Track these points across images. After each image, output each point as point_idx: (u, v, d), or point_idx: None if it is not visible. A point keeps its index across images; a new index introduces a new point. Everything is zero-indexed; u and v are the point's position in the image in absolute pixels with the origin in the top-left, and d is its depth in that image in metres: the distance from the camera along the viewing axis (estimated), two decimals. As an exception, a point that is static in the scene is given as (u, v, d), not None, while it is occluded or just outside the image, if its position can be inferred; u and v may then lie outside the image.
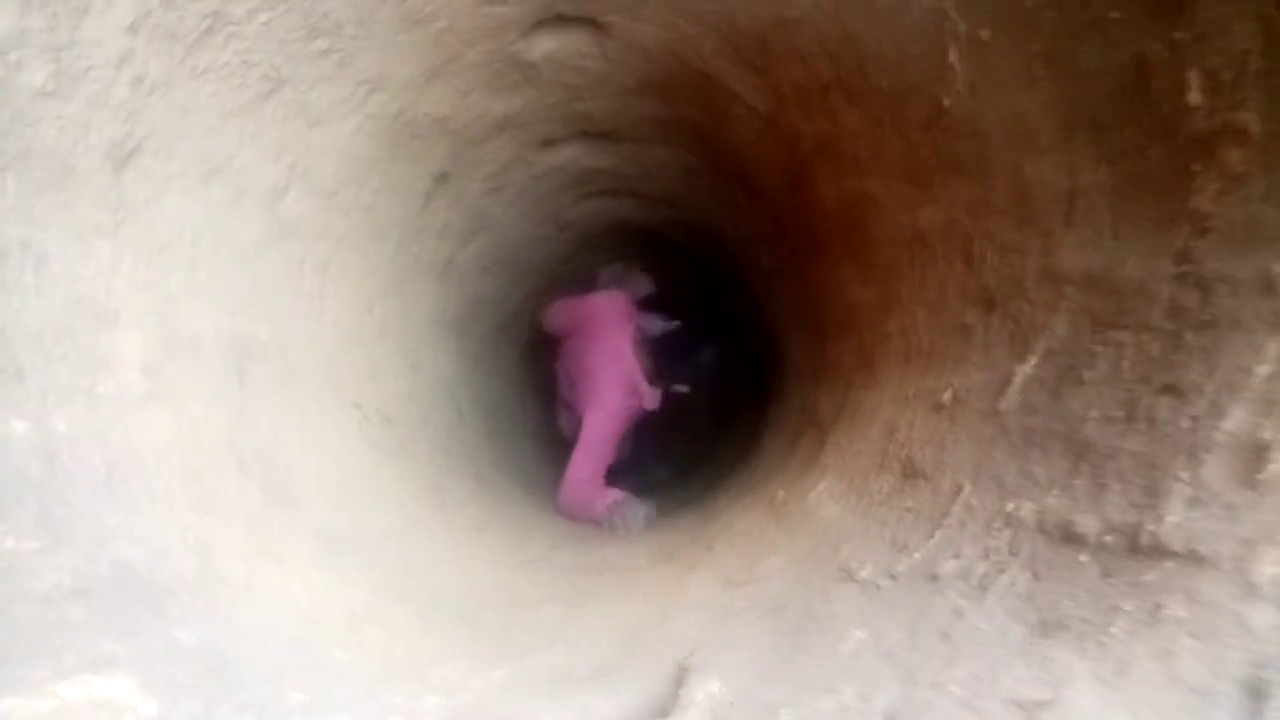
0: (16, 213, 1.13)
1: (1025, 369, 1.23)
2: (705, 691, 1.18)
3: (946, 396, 1.46)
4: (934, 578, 1.13)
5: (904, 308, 1.81)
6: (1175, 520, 0.83)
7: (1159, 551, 0.83)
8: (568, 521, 3.21)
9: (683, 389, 3.78)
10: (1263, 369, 0.82)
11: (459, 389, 3.25)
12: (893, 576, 1.22)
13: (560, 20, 2.04)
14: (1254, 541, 0.75)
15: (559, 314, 3.86)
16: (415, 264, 2.61)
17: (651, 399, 3.69)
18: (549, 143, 2.70)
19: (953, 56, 1.41)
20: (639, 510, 3.11)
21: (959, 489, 1.25)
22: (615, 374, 3.65)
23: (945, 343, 1.55)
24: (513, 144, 2.57)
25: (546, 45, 2.13)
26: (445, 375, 3.08)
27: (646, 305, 3.94)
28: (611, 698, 1.30)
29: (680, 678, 1.27)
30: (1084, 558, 0.92)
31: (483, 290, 3.30)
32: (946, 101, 1.49)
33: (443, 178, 2.45)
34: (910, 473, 1.45)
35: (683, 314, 3.96)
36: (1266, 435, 0.79)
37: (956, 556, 1.13)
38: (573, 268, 3.89)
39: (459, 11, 1.84)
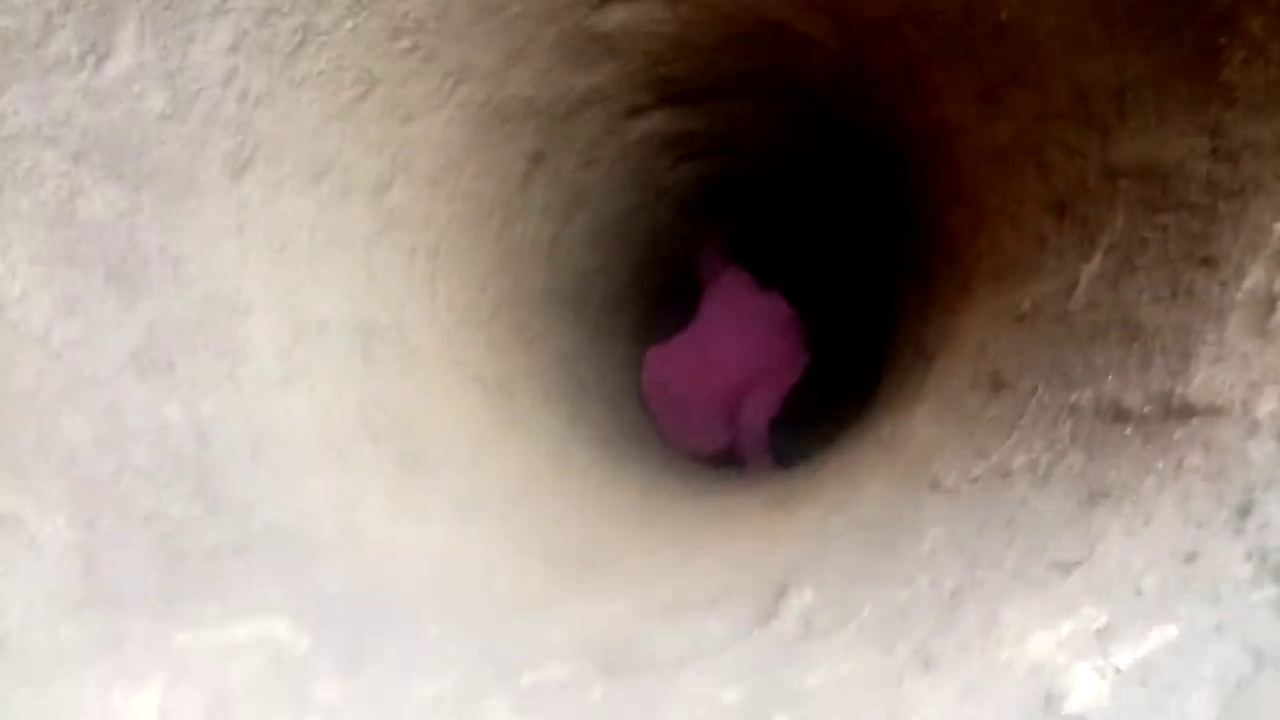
0: (153, 223, 1.30)
1: (1091, 268, 1.25)
2: (800, 599, 1.26)
3: (1027, 306, 1.48)
4: (1006, 474, 1.17)
5: (990, 224, 1.82)
6: (1200, 379, 0.86)
7: (1186, 411, 0.86)
8: (690, 478, 3.31)
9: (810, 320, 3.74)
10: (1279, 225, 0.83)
11: (579, 361, 3.36)
12: (973, 480, 1.26)
13: (628, -11, 2.12)
14: (1259, 384, 0.77)
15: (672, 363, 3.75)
16: (522, 242, 2.73)
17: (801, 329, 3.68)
18: (635, 111, 2.76)
19: (1001, -32, 1.42)
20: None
21: (1034, 390, 1.28)
22: (778, 325, 3.61)
23: (1025, 253, 1.56)
24: (600, 116, 2.65)
25: (619, 16, 2.20)
26: (563, 349, 3.20)
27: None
28: (722, 619, 1.39)
29: (781, 593, 1.35)
30: (1129, 430, 0.95)
31: (591, 264, 3.39)
32: (1004, 15, 1.49)
33: (538, 157, 2.56)
34: (996, 385, 1.48)
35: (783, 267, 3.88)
36: (1278, 287, 0.81)
37: (1028, 452, 1.16)
38: (676, 233, 3.92)
39: (528, -5, 1.93)
